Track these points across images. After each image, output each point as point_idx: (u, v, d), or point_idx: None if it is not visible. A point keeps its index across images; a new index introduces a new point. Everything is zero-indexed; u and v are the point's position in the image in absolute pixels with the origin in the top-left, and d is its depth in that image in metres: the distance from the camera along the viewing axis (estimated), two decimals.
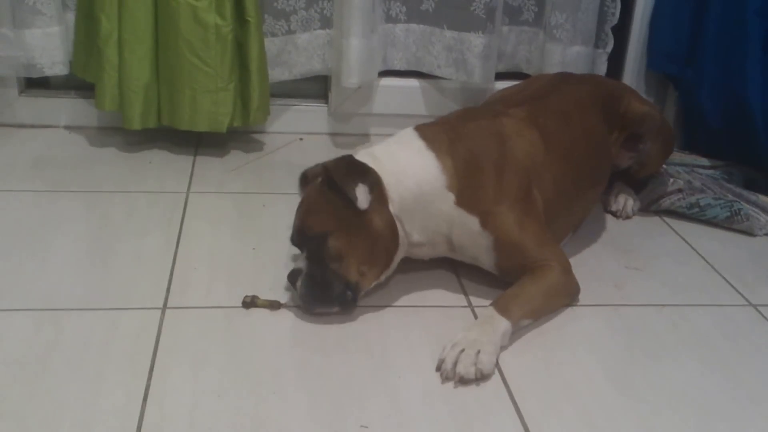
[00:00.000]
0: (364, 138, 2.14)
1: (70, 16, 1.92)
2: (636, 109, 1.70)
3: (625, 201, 1.77)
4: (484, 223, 1.33)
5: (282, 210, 1.68)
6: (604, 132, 1.66)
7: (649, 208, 1.79)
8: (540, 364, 1.22)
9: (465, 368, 1.15)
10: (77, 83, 2.01)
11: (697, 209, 1.75)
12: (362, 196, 1.25)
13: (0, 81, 1.99)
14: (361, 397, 1.12)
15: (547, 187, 1.42)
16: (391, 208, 1.31)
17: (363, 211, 1.26)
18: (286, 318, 1.30)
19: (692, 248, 1.65)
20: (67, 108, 2.06)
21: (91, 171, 1.82)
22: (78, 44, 1.91)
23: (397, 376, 1.16)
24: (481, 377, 1.15)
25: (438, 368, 1.18)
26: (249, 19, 1.82)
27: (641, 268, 1.54)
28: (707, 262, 1.59)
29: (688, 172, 1.93)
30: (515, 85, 1.81)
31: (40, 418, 1.03)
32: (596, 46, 2.11)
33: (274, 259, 1.47)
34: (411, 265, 1.47)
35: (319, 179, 1.34)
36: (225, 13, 1.80)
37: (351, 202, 1.25)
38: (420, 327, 1.30)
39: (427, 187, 1.31)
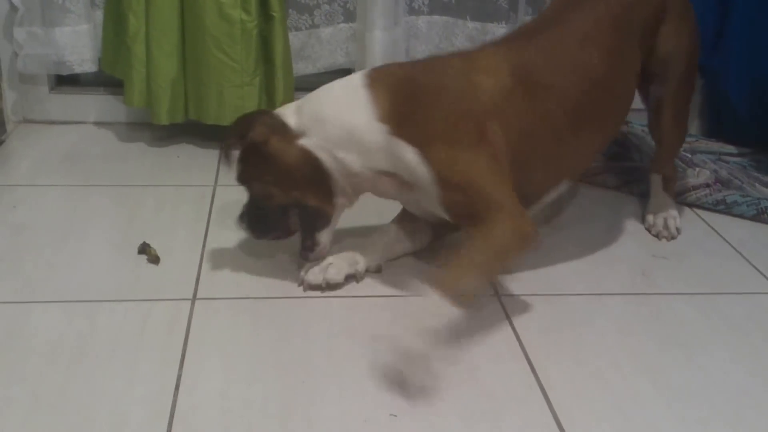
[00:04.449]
0: None
1: (99, 14, 1.95)
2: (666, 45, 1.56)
3: (665, 221, 1.63)
4: (425, 155, 1.29)
5: None
6: (622, 62, 1.48)
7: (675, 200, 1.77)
8: (568, 352, 1.22)
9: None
10: (106, 80, 2.04)
11: (723, 206, 1.73)
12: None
13: (31, 79, 2.03)
14: (390, 385, 1.12)
15: (519, 127, 1.34)
16: (306, 141, 1.33)
17: (269, 153, 1.33)
18: (315, 307, 1.31)
19: (720, 236, 1.63)
20: (96, 104, 2.09)
21: (121, 166, 1.85)
22: (106, 41, 1.93)
23: (426, 366, 1.17)
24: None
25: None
26: (273, 14, 1.84)
27: (668, 257, 1.53)
28: (736, 251, 1.57)
29: (714, 160, 1.91)
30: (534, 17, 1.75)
31: (76, 407, 1.05)
32: None
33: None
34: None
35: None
36: (250, 8, 1.82)
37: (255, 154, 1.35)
38: (446, 315, 1.29)
39: (349, 117, 1.31)
